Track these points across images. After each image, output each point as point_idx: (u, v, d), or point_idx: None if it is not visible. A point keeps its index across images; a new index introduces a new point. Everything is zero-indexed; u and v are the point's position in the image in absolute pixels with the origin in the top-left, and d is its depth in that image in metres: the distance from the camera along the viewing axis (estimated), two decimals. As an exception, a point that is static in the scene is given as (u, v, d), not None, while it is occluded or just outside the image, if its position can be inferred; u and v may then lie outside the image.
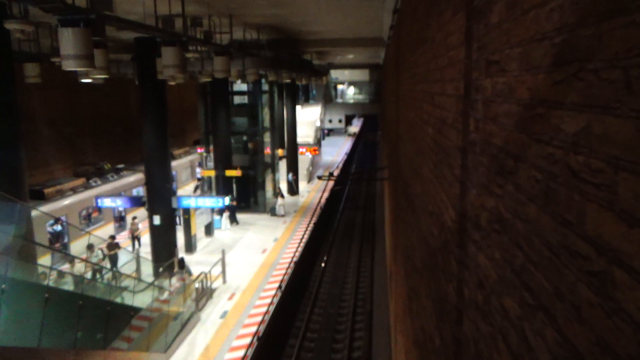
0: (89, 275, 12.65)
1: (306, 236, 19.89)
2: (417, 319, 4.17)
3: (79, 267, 13.46)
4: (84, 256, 14.96)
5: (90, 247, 15.34)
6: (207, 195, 20.00)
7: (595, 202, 0.97)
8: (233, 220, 22.58)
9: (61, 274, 12.15)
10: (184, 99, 37.22)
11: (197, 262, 16.88)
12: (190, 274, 15.37)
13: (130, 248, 18.31)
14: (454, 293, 2.32)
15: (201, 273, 15.16)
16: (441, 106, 3.03)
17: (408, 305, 5.42)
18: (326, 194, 27.40)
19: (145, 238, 18.49)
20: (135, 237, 18.78)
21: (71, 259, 13.86)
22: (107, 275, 14.04)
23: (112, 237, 16.97)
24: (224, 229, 21.84)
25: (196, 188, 25.44)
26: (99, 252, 15.55)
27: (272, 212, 23.75)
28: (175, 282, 14.64)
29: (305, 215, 24.57)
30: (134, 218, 19.26)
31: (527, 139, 1.37)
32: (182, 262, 15.51)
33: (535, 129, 1.31)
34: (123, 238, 19.63)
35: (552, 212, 1.17)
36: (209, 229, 20.91)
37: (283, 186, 29.11)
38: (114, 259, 16.40)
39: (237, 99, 25.00)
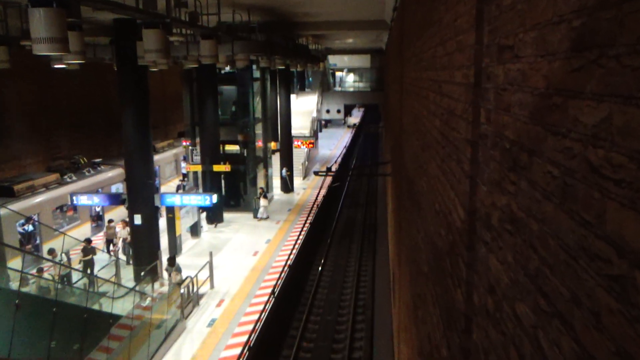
0: (57, 280, 12.60)
1: (302, 237, 19.93)
2: (423, 327, 4.18)
3: (53, 271, 13.47)
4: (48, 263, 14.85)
5: (51, 252, 15.08)
6: (193, 193, 19.97)
7: (617, 200, 0.97)
8: (214, 220, 22.53)
9: (34, 278, 12.14)
10: (167, 87, 37.13)
11: (183, 266, 16.83)
12: (180, 271, 15.52)
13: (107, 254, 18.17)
14: (463, 299, 2.33)
15: (187, 277, 15.17)
16: (449, 95, 3.04)
17: (413, 312, 5.44)
18: (323, 191, 27.43)
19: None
20: (110, 242, 18.56)
21: (39, 266, 13.86)
22: (82, 281, 14.05)
23: (88, 241, 16.84)
24: (263, 217, 22.57)
25: (178, 187, 25.32)
26: (63, 256, 15.29)
27: (255, 214, 23.61)
28: (166, 277, 14.83)
29: (301, 214, 24.62)
30: (110, 222, 19.02)
31: (542, 131, 1.38)
32: (172, 259, 15.70)
33: (551, 120, 1.31)
34: (101, 239, 19.61)
35: (570, 211, 1.18)
36: (195, 230, 20.94)
37: (276, 182, 29.14)
38: (89, 265, 16.32)
39: (226, 88, 24.97)
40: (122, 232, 18.49)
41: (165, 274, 15.70)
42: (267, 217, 23.44)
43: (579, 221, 1.13)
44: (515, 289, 1.56)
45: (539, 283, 1.36)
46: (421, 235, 4.57)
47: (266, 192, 23.86)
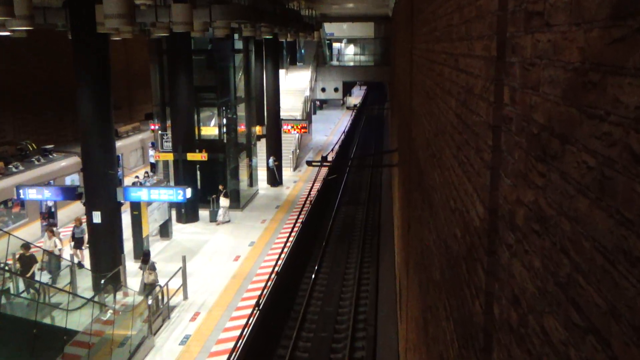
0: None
1: (292, 239, 19.94)
2: (434, 346, 4.18)
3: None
4: None
5: None
6: (162, 186, 19.98)
7: (663, 194, 0.98)
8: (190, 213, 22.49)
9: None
10: (132, 60, 36.98)
11: (150, 272, 16.88)
12: (154, 270, 15.65)
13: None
14: (481, 311, 2.35)
15: (156, 285, 15.19)
16: (467, 71, 3.06)
17: (423, 328, 5.44)
18: (318, 185, 27.44)
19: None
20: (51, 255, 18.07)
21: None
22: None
23: (26, 247, 15.61)
24: (222, 221, 22.30)
25: (146, 175, 25.20)
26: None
27: (212, 217, 23.29)
28: (146, 277, 14.84)
29: (291, 212, 24.69)
30: (51, 225, 18.38)
31: (577, 114, 1.38)
32: (146, 256, 15.79)
33: (587, 101, 1.32)
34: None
35: (608, 208, 1.18)
36: (165, 230, 20.92)
37: (261, 174, 29.11)
38: (28, 275, 15.23)
39: (203, 61, 24.91)
40: (48, 243, 17.40)
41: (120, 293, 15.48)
42: (229, 221, 23.17)
43: (619, 220, 1.13)
44: (543, 300, 1.57)
45: (571, 293, 1.36)
46: (433, 237, 4.59)
47: (227, 190, 23.48)
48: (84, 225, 18.58)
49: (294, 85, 39.41)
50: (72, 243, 18.41)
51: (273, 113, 30.55)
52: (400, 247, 12.90)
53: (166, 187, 19.02)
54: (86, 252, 18.31)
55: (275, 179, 29.64)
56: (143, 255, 16.27)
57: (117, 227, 16.54)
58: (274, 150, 29.99)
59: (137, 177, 25.69)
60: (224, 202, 23.12)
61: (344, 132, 43.60)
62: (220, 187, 23.23)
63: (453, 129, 3.58)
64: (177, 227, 22.35)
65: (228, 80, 24.93)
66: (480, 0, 2.67)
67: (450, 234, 3.50)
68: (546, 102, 1.62)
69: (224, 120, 25.23)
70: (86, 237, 18.66)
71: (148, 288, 15.35)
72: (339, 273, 20.91)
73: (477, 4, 2.76)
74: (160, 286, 15.23)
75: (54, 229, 18.56)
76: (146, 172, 26.30)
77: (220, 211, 23.17)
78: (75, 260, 17.46)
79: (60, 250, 17.36)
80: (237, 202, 25.07)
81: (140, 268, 16.05)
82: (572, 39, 1.41)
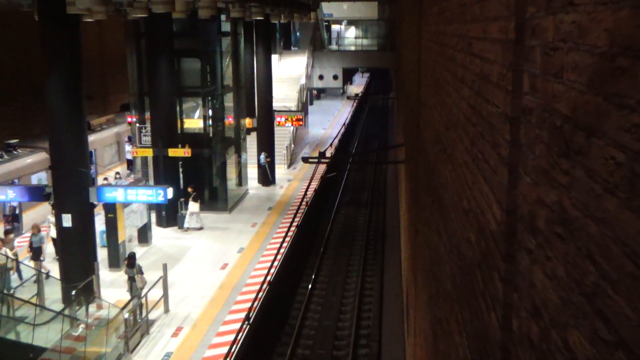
0: None
1: (286, 245, 19.93)
2: (446, 364, 4.15)
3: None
4: None
5: None
6: (141, 185, 19.95)
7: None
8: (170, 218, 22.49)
9: None
10: (106, 44, 36.88)
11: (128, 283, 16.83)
12: (141, 272, 15.79)
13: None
14: (498, 325, 2.35)
15: (132, 297, 15.16)
16: (482, 56, 3.07)
17: (432, 343, 5.45)
18: (315, 184, 27.43)
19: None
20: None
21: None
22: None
23: None
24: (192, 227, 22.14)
25: (117, 177, 24.86)
26: None
27: (179, 223, 23.03)
28: (138, 282, 14.82)
29: (285, 214, 24.65)
30: (7, 233, 18.00)
31: (604, 104, 1.38)
32: (132, 259, 15.89)
33: (616, 89, 1.31)
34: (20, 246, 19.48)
35: (639, 209, 1.18)
36: (144, 235, 20.90)
37: (252, 172, 29.04)
38: None
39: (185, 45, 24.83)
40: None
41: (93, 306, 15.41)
42: (201, 228, 22.88)
43: (651, 222, 1.13)
44: (567, 312, 1.57)
45: (597, 303, 1.36)
46: (444, 242, 4.61)
47: (196, 194, 22.89)
48: (43, 234, 18.52)
49: (288, 73, 39.37)
50: (31, 254, 18.09)
51: (265, 104, 30.51)
52: (407, 254, 12.91)
53: (145, 187, 18.95)
54: (48, 264, 18.29)
55: (267, 177, 29.60)
56: (128, 258, 16.27)
57: (89, 231, 16.51)
58: (266, 145, 29.95)
59: (117, 173, 25.58)
60: (192, 206, 22.69)
61: (344, 124, 43.64)
62: (190, 189, 22.89)
63: (466, 121, 3.59)
64: (157, 232, 22.31)
65: (214, 66, 24.84)
66: (497, -23, 2.65)
67: (463, 238, 3.51)
68: (570, 91, 1.62)
69: (210, 112, 25.14)
70: (46, 246, 18.58)
71: (136, 291, 15.52)
72: (338, 283, 20.89)
73: (493, -19, 2.76)
74: (137, 297, 15.20)
75: (11, 235, 18.10)
76: (117, 173, 25.92)
77: (188, 217, 22.74)
78: (44, 271, 17.30)
79: (13, 261, 16.82)
80: (224, 203, 25.04)
81: (127, 273, 16.08)
82: (599, 20, 1.41)
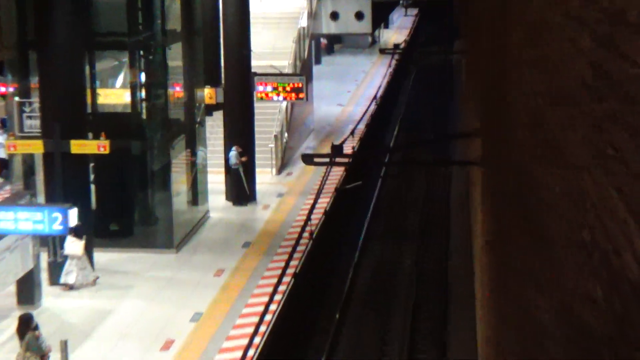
0: None
1: (275, 307, 14.97)
2: None
3: None
4: None
5: None
6: (21, 204, 15.48)
7: None
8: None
9: None
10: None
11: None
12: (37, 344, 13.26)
13: None
14: None
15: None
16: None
17: None
18: (325, 201, 21.07)
19: None
20: None
21: None
22: None
23: None
24: (75, 283, 16.50)
25: None
26: None
27: (56, 280, 16.79)
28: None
29: (272, 254, 18.79)
30: None
31: None
32: (28, 321, 13.34)
33: None
34: None
35: None
36: (27, 290, 15.83)
37: (216, 181, 22.46)
38: None
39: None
40: None
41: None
42: (96, 281, 16.82)
43: None
44: None
45: None
46: (546, 299, 4.23)
47: (78, 226, 15.98)
48: None
49: (279, 8, 30.64)
50: None
51: (238, 62, 22.58)
52: (484, 317, 11.86)
53: (28, 206, 15.20)
54: None
55: (242, 190, 22.18)
56: (23, 321, 13.15)
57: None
58: (240, 134, 22.59)
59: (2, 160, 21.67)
60: (72, 248, 16.40)
61: (375, 98, 33.97)
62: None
63: (586, 92, 2.98)
64: (50, 287, 16.72)
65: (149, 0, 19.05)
66: None
67: (581, 294, 3.04)
68: None
69: (143, 77, 19.32)
70: None
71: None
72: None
73: None
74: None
75: None
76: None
77: (68, 265, 16.54)
78: None
79: None
80: (167, 235, 19.27)
81: (27, 338, 13.07)
82: None
